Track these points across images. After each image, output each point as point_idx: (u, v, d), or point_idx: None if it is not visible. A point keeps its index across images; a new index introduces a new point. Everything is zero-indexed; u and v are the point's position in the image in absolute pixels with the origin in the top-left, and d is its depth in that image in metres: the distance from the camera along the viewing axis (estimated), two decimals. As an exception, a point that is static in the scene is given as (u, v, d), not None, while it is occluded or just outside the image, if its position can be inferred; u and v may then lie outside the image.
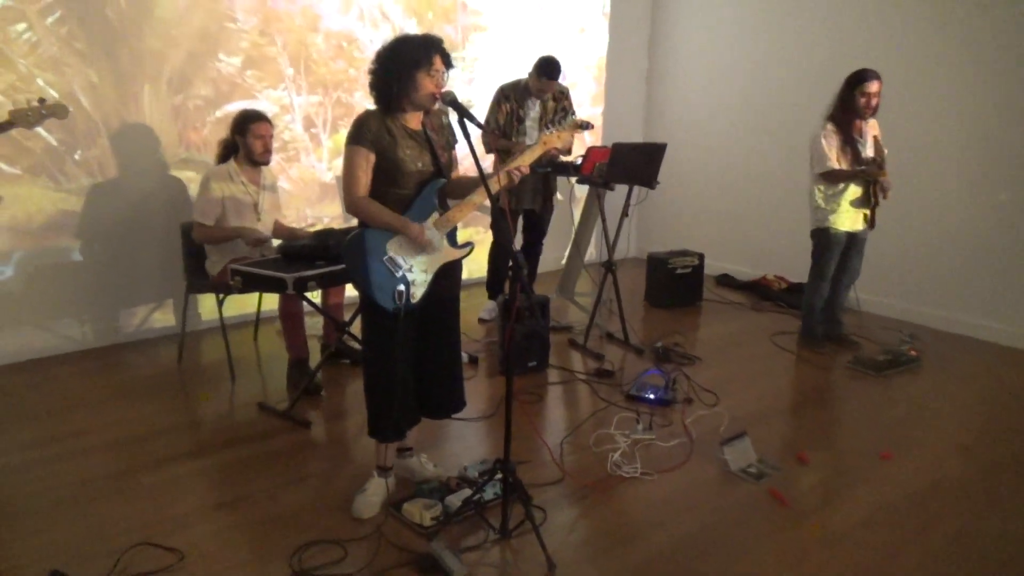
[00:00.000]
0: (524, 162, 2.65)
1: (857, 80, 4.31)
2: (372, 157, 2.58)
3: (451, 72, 2.64)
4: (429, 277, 2.67)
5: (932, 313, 5.32)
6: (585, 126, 2.78)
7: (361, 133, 2.57)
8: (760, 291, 6.06)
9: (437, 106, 2.65)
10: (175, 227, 4.27)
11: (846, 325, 4.95)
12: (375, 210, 2.57)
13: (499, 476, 2.64)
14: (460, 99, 2.60)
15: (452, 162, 2.78)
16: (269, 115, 4.23)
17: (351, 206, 2.62)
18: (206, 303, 4.77)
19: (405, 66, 2.53)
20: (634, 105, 7.00)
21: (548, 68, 4.64)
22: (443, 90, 2.57)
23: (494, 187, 2.55)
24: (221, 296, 4.02)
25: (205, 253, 4.09)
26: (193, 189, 4.40)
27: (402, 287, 2.60)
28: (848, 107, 4.37)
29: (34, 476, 3.03)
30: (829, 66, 5.69)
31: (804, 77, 5.89)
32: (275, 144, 4.69)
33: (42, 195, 4.13)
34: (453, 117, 2.65)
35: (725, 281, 6.41)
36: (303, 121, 4.96)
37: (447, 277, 2.75)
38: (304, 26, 4.82)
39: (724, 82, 6.47)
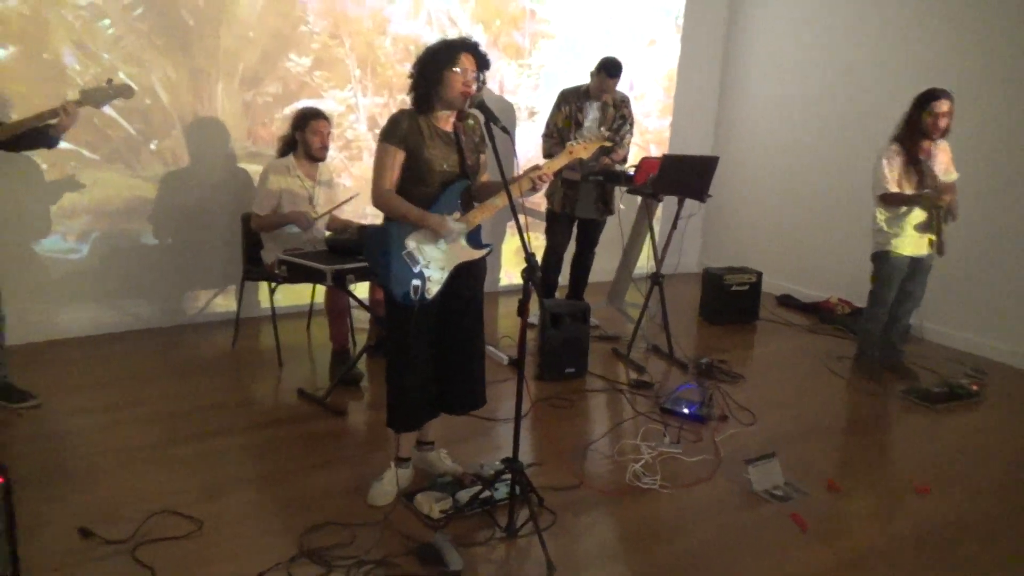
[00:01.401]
0: (549, 169, 2.68)
1: (926, 99, 4.16)
2: (401, 155, 2.67)
3: (518, 79, 2.69)
4: (445, 275, 2.74)
5: (1003, 348, 5.05)
6: (612, 140, 2.79)
7: (393, 131, 2.67)
8: (822, 314, 5.89)
9: (468, 108, 2.71)
10: (239, 217, 4.48)
11: (905, 353, 4.76)
12: (398, 203, 2.66)
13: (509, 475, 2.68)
14: (523, 105, 2.65)
15: (481, 166, 2.84)
16: (334, 115, 4.40)
17: (377, 199, 2.72)
18: (264, 291, 4.98)
19: (434, 65, 2.61)
20: (703, 118, 6.91)
21: (609, 66, 4.65)
22: (472, 92, 2.64)
23: (516, 191, 2.59)
24: (273, 285, 4.20)
25: (262, 243, 4.28)
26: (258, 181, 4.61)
27: (418, 282, 2.67)
28: (915, 128, 4.22)
29: (83, 441, 3.25)
30: (904, 83, 5.49)
31: (878, 94, 5.70)
32: (339, 143, 4.88)
33: (119, 180, 4.41)
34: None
35: (786, 301, 6.25)
36: (367, 121, 5.12)
37: (467, 276, 2.81)
38: (373, 29, 4.99)
39: (795, 97, 6.32)
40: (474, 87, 2.66)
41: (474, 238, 2.79)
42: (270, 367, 4.26)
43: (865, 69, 5.82)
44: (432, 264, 2.70)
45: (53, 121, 3.19)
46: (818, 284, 6.21)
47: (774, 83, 6.51)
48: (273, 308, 4.26)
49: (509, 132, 2.64)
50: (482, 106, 2.61)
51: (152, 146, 4.47)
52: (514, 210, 2.55)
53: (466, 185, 2.74)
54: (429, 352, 2.81)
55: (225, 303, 4.93)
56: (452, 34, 5.24)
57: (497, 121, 2.57)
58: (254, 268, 4.35)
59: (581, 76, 5.17)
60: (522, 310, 2.56)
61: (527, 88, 5.68)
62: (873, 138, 5.60)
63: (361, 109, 5.07)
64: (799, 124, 6.31)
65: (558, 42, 5.79)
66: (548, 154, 4.89)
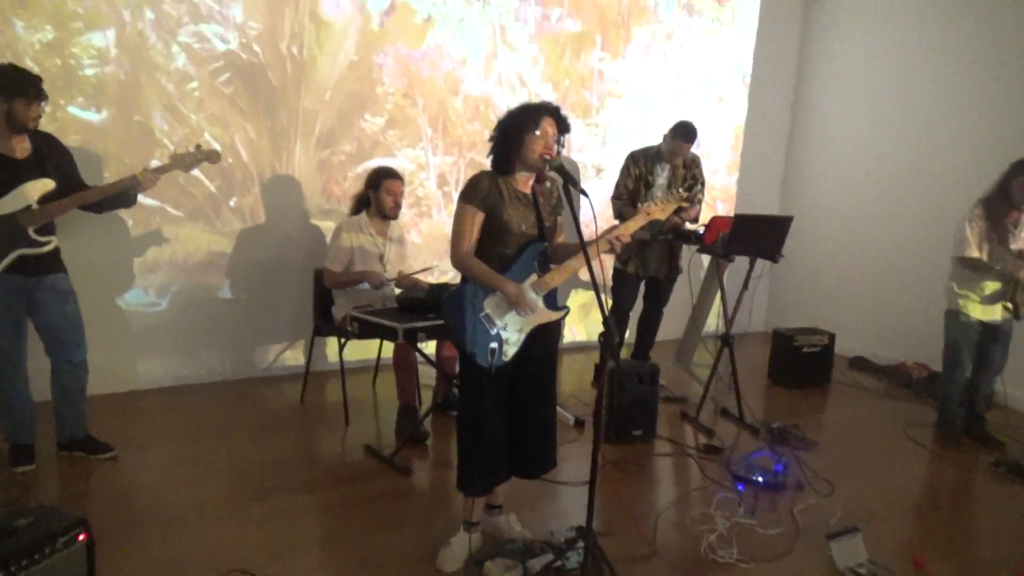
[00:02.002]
0: (625, 231, 2.67)
1: (1018, 170, 4.04)
2: (480, 216, 2.68)
3: (585, 137, 2.72)
4: (523, 337, 2.72)
5: (1097, 418, 4.78)
6: (690, 200, 2.77)
7: (472, 192, 2.69)
8: (898, 378, 5.68)
9: (547, 170, 2.73)
10: (311, 272, 4.57)
11: (990, 422, 4.54)
12: (477, 267, 2.67)
13: (581, 544, 2.61)
14: (590, 162, 2.67)
15: (557, 227, 2.84)
16: (405, 172, 4.49)
17: (456, 261, 2.73)
18: (333, 345, 5.03)
19: (516, 129, 2.64)
20: (770, 175, 6.84)
21: (684, 131, 4.66)
22: (552, 154, 2.65)
23: (593, 253, 2.58)
24: (343, 340, 4.25)
25: (333, 299, 4.34)
26: (330, 238, 4.70)
27: (495, 344, 2.66)
28: (1005, 195, 4.10)
29: (157, 495, 3.29)
30: (983, 141, 5.37)
31: (955, 153, 5.57)
32: (409, 199, 4.97)
33: (199, 236, 4.55)
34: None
35: (860, 364, 6.05)
36: (437, 179, 5.21)
37: (543, 338, 2.79)
38: (445, 89, 5.10)
39: (867, 155, 6.21)
40: (554, 151, 2.67)
41: (550, 300, 2.77)
42: (337, 422, 4.28)
43: (939, 126, 5.70)
44: (509, 326, 2.70)
45: (135, 187, 3.34)
46: (893, 346, 6.00)
47: (843, 140, 6.42)
48: (342, 364, 4.30)
49: (587, 195, 2.64)
50: (561, 169, 2.62)
51: (231, 203, 4.61)
52: (591, 272, 2.54)
53: (543, 247, 2.74)
54: (503, 415, 2.78)
55: (294, 356, 5.00)
56: (522, 94, 5.36)
57: (576, 184, 2.57)
58: (325, 323, 4.41)
59: (648, 133, 5.19)
60: (599, 376, 2.52)
61: (594, 146, 5.72)
62: (949, 196, 5.49)
63: (431, 167, 5.17)
64: (870, 181, 6.19)
65: (626, 100, 5.83)
66: (618, 216, 4.89)
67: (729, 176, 6.55)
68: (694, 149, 4.79)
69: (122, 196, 3.38)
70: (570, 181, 2.57)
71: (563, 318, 2.82)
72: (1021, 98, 5.20)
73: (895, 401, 5.26)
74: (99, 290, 4.29)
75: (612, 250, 2.66)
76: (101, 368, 4.18)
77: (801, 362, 5.43)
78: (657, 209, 2.75)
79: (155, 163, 4.23)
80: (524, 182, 2.75)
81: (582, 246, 2.52)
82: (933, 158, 5.75)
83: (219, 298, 4.70)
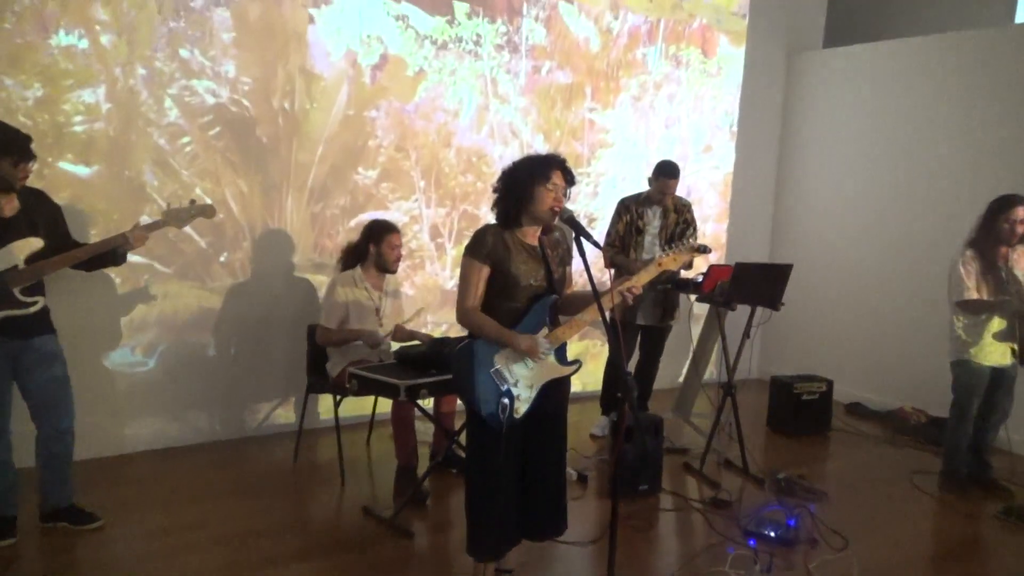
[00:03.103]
0: (638, 283, 2.62)
1: (1003, 206, 4.07)
2: (486, 270, 2.63)
3: (578, 187, 2.70)
4: (534, 393, 2.64)
5: (1101, 461, 4.74)
6: (703, 250, 2.73)
7: (478, 246, 2.63)
8: (896, 423, 5.63)
9: (556, 222, 2.69)
10: (303, 328, 4.46)
11: (995, 469, 4.48)
12: (484, 322, 2.60)
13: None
14: (583, 212, 2.64)
15: (566, 279, 2.79)
16: (399, 225, 4.44)
17: (462, 317, 2.66)
18: (326, 402, 4.91)
19: (525, 181, 2.60)
20: (760, 222, 6.88)
21: (667, 168, 4.68)
22: (562, 207, 2.61)
23: (606, 305, 2.53)
24: (338, 397, 4.13)
25: (327, 355, 4.24)
26: (322, 292, 4.62)
27: (506, 401, 2.58)
28: (991, 234, 4.11)
29: (148, 567, 3.13)
30: (972, 184, 5.43)
31: (945, 196, 5.63)
32: (403, 252, 4.90)
33: (189, 293, 4.45)
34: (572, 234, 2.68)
35: (856, 410, 6.00)
36: (430, 231, 5.16)
37: (554, 394, 2.71)
38: (438, 142, 5.09)
39: (855, 201, 6.27)
40: (563, 203, 2.63)
41: (561, 355, 2.71)
42: (332, 483, 4.13)
43: (925, 172, 5.78)
44: (520, 382, 2.62)
45: (124, 245, 3.26)
46: (889, 391, 5.96)
47: (830, 187, 6.48)
48: (337, 422, 4.17)
49: (600, 246, 2.60)
50: (571, 221, 2.58)
51: (222, 258, 4.52)
52: (607, 325, 2.48)
53: (554, 300, 2.68)
54: (514, 475, 2.68)
55: (286, 414, 4.86)
56: (514, 145, 5.36)
57: (589, 236, 2.53)
58: (319, 380, 4.29)
59: (639, 181, 5.19)
60: (616, 433, 2.44)
61: (586, 195, 5.72)
62: (941, 238, 5.54)
63: (425, 219, 5.12)
64: (858, 227, 6.23)
65: (616, 149, 5.86)
66: (610, 264, 4.85)
67: (719, 224, 6.57)
68: (684, 194, 4.80)
69: (110, 254, 3.29)
70: (583, 233, 2.53)
71: (574, 373, 2.74)
72: (1001, 139, 5.29)
73: (897, 448, 5.20)
74: (84, 350, 4.14)
75: (624, 302, 2.60)
76: (87, 431, 3.98)
77: (801, 409, 5.37)
78: (669, 259, 2.71)
79: (146, 219, 4.16)
80: (531, 234, 2.70)
81: (596, 300, 2.47)
82: (919, 204, 5.81)
83: (209, 356, 4.58)
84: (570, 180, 2.67)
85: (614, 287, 2.60)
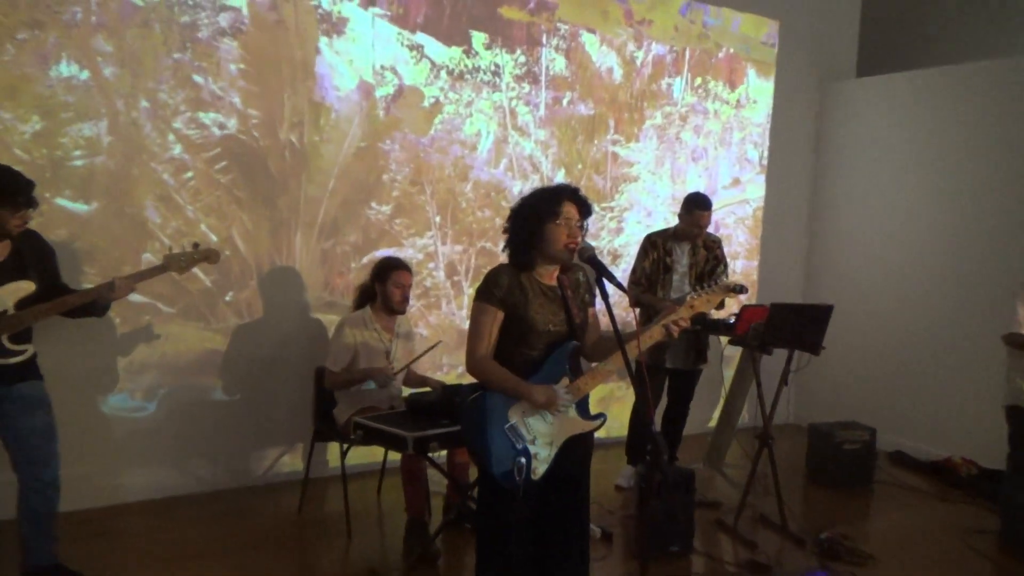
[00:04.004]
0: (687, 314, 2.35)
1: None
2: (500, 315, 2.38)
3: (600, 222, 2.45)
4: (554, 452, 2.37)
5: None
6: (738, 290, 2.46)
7: (490, 289, 2.39)
8: (944, 475, 5.24)
9: (576, 261, 2.44)
10: (312, 370, 4.23)
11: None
12: (497, 373, 2.34)
13: None
14: (605, 249, 2.40)
15: (589, 323, 2.52)
16: (413, 263, 4.22)
17: (473, 367, 2.41)
18: (334, 448, 4.64)
19: (532, 220, 2.36)
20: (793, 259, 6.57)
21: (699, 200, 4.44)
22: (581, 245, 2.36)
23: (633, 351, 2.26)
24: (345, 446, 3.87)
25: (335, 400, 3.99)
26: (332, 332, 4.40)
27: (523, 460, 2.31)
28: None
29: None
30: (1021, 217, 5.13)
31: (993, 230, 5.31)
32: (417, 291, 4.68)
33: (192, 334, 4.24)
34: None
35: (900, 459, 5.61)
36: (446, 269, 4.93)
37: (575, 451, 2.44)
38: (454, 176, 4.89)
39: (897, 235, 5.94)
40: (579, 238, 2.38)
41: (583, 407, 2.43)
42: (339, 538, 3.86)
43: (973, 202, 5.47)
44: (539, 439, 2.34)
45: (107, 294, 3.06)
46: (935, 439, 5.58)
47: (869, 220, 6.17)
48: (344, 472, 3.91)
49: (623, 288, 2.34)
50: (593, 260, 2.32)
51: (227, 297, 4.32)
52: (631, 374, 2.21)
53: (575, 347, 2.41)
54: (530, 542, 2.40)
55: (292, 462, 4.61)
56: (534, 179, 5.14)
57: (611, 277, 2.27)
58: (326, 427, 4.04)
59: (664, 216, 4.96)
60: (644, 495, 2.16)
61: (609, 232, 5.47)
62: (988, 275, 5.22)
63: (440, 256, 4.90)
64: (904, 263, 5.90)
65: (640, 184, 5.62)
66: (635, 303, 4.59)
67: (749, 261, 6.28)
68: (712, 230, 4.54)
69: (92, 306, 3.10)
70: (605, 274, 2.27)
71: (598, 428, 2.46)
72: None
73: (947, 503, 4.81)
74: (80, 394, 3.94)
75: (669, 336, 2.34)
76: (79, 480, 3.79)
77: (842, 460, 5.00)
78: (702, 301, 2.44)
79: (149, 258, 3.98)
80: (549, 274, 2.45)
81: (620, 346, 2.20)
82: (964, 238, 5.49)
83: (212, 400, 4.35)
84: (585, 211, 2.42)
85: (658, 321, 2.33)
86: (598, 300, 2.49)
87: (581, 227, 2.38)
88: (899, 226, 5.94)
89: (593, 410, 2.46)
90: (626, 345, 2.27)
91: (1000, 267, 5.18)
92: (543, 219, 2.34)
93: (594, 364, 2.44)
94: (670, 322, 2.36)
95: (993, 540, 4.15)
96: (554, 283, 2.45)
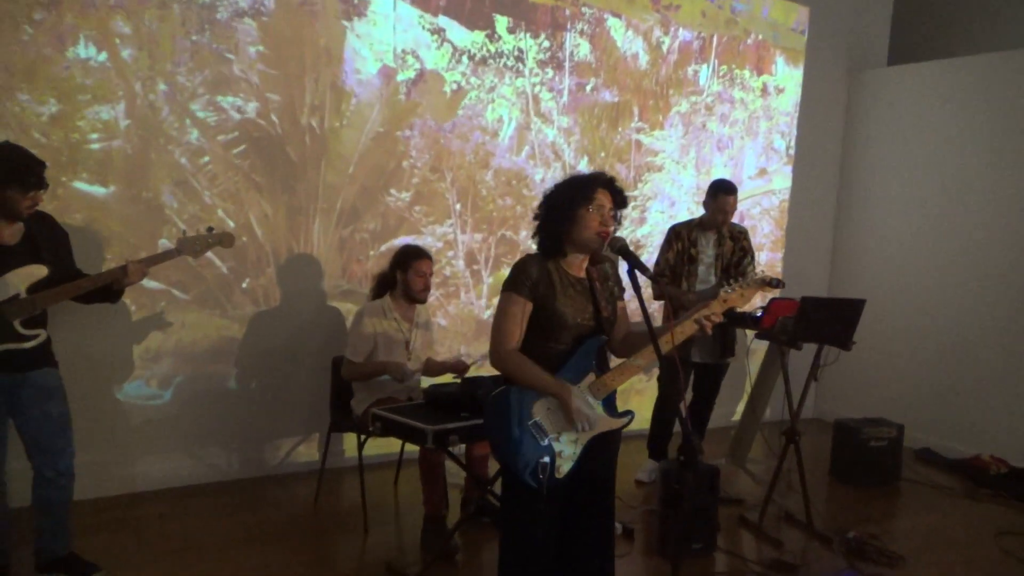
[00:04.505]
0: (719, 308, 2.26)
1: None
2: (528, 307, 2.29)
3: (623, 212, 2.35)
4: (579, 450, 2.28)
5: None
6: (775, 284, 2.36)
7: (519, 280, 2.30)
8: (973, 474, 5.11)
9: (605, 252, 2.34)
10: (329, 359, 4.16)
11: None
12: (523, 367, 2.25)
13: None
14: (628, 239, 2.30)
15: (617, 316, 2.43)
16: (432, 251, 4.14)
17: (498, 360, 2.32)
18: (351, 439, 4.59)
19: (566, 203, 2.27)
20: (819, 252, 6.43)
21: (725, 185, 4.34)
22: (613, 235, 2.27)
23: (666, 346, 2.17)
24: (363, 437, 3.80)
25: (352, 390, 3.92)
26: (350, 321, 4.33)
27: (547, 459, 2.22)
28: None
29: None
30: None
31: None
32: (436, 279, 4.59)
33: (208, 321, 4.18)
34: (621, 266, 2.33)
35: (927, 457, 5.49)
36: (465, 257, 4.84)
37: (601, 449, 2.35)
38: (475, 163, 4.79)
39: (927, 227, 5.79)
40: (611, 227, 2.29)
41: (610, 404, 2.34)
42: (355, 530, 3.79)
43: (1006, 194, 5.31)
44: (563, 437, 2.26)
45: (121, 279, 2.98)
46: (963, 437, 5.45)
47: (898, 212, 6.02)
48: (361, 464, 3.84)
49: (655, 278, 2.25)
50: (624, 251, 2.23)
51: (244, 285, 4.25)
52: (663, 366, 2.11)
53: (603, 341, 2.32)
54: (555, 542, 2.31)
55: (308, 452, 4.55)
56: (556, 167, 5.03)
57: (645, 269, 2.18)
58: (343, 418, 3.98)
59: (686, 206, 4.84)
60: (678, 498, 2.07)
61: (632, 221, 5.36)
62: (1021, 268, 5.07)
63: (460, 245, 4.81)
64: (933, 258, 5.76)
65: (664, 173, 5.50)
66: (659, 295, 4.49)
67: (774, 253, 6.15)
68: (737, 220, 4.43)
69: (106, 290, 3.03)
70: (637, 265, 2.18)
71: (626, 426, 2.37)
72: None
73: (976, 502, 4.69)
74: (95, 382, 3.89)
75: (701, 331, 2.24)
76: (94, 469, 3.76)
77: (868, 457, 4.89)
78: (736, 295, 2.34)
79: (165, 243, 3.92)
80: (578, 265, 2.35)
81: (652, 339, 2.11)
82: (998, 231, 5.34)
83: (228, 389, 4.29)
84: (620, 201, 2.32)
85: (690, 315, 2.24)
86: (627, 293, 2.39)
87: (614, 217, 2.29)
88: (929, 220, 5.79)
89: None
90: (645, 349, 2.20)
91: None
92: (576, 203, 2.25)
93: (621, 360, 2.35)
94: (702, 317, 2.27)
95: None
96: (583, 275, 2.36)
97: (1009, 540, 4.08)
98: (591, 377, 2.29)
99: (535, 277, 2.27)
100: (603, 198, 2.29)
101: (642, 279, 2.21)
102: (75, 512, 3.16)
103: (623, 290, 2.45)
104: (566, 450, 2.25)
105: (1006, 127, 5.34)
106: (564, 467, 2.25)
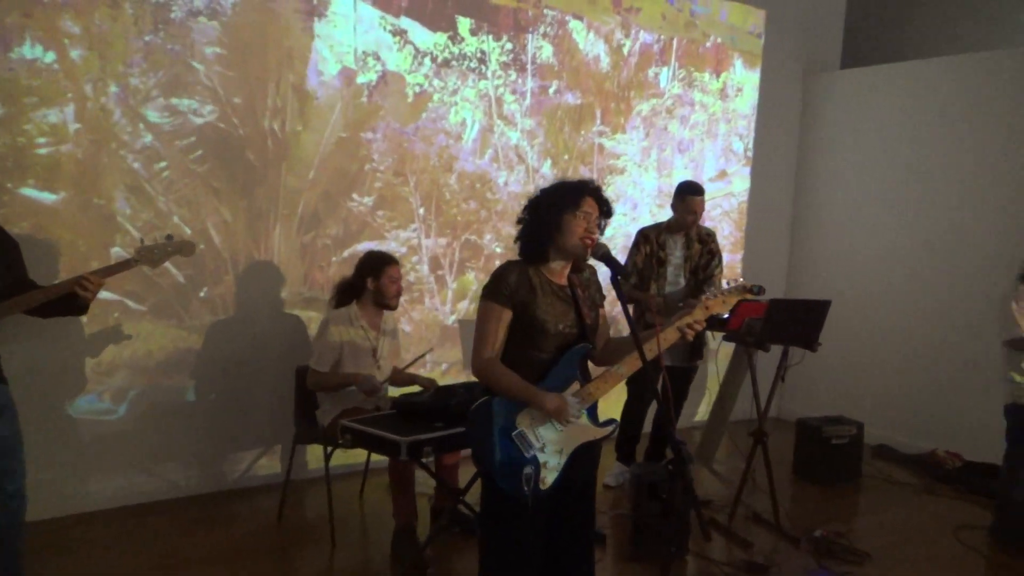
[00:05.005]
0: (702, 315, 2.24)
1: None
2: (507, 315, 2.24)
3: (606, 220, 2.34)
4: (564, 460, 2.24)
5: None
6: (756, 290, 2.35)
7: (498, 287, 2.25)
8: (929, 469, 5.23)
9: (588, 259, 2.31)
10: (291, 369, 4.05)
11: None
12: (504, 377, 2.20)
13: None
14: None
15: (601, 323, 2.40)
16: (396, 256, 4.06)
17: (479, 369, 2.27)
18: (315, 450, 4.47)
19: (552, 209, 2.23)
20: (777, 252, 6.52)
21: (692, 185, 4.37)
22: (594, 239, 2.24)
23: (651, 351, 2.15)
24: (329, 449, 3.70)
25: (317, 401, 3.82)
26: (312, 329, 4.23)
27: (530, 470, 2.18)
28: (1050, 271, 3.76)
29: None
30: (1008, 210, 5.12)
31: (977, 223, 5.30)
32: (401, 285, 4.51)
33: (164, 332, 4.03)
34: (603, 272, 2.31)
35: (884, 453, 5.59)
36: (430, 262, 4.77)
37: (583, 459, 2.31)
38: (439, 166, 4.72)
39: (881, 228, 5.92)
40: (596, 235, 2.26)
41: (593, 413, 2.31)
42: (321, 545, 3.70)
43: (956, 194, 5.45)
44: (548, 447, 2.22)
45: (78, 291, 2.84)
46: (919, 433, 5.57)
47: (852, 213, 6.14)
48: (328, 476, 3.74)
49: (624, 281, 2.22)
50: (607, 258, 2.20)
51: (202, 294, 4.12)
52: (646, 374, 2.09)
53: (587, 350, 2.28)
54: (538, 554, 2.27)
55: (270, 464, 4.43)
56: (520, 170, 5.00)
57: (628, 276, 2.15)
58: (308, 429, 3.87)
59: (648, 208, 4.86)
60: (670, 505, 2.04)
61: (595, 225, 5.35)
62: (971, 269, 5.22)
63: (424, 250, 4.73)
64: (887, 259, 5.88)
65: (627, 176, 5.51)
66: (628, 298, 4.47)
67: (734, 254, 6.21)
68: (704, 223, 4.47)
69: (69, 302, 2.88)
70: (620, 271, 2.15)
71: (610, 435, 2.34)
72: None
73: (935, 497, 4.80)
74: (44, 397, 3.71)
75: (684, 338, 2.23)
76: (45, 488, 3.57)
77: (830, 454, 4.97)
78: (717, 302, 2.33)
79: (118, 252, 3.77)
80: (560, 273, 2.32)
81: (637, 346, 2.08)
82: (948, 232, 5.48)
83: (185, 401, 4.15)
84: (606, 210, 2.30)
85: (673, 323, 2.23)
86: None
87: (599, 225, 2.27)
88: (882, 220, 5.92)
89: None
90: (629, 356, 2.20)
91: (984, 261, 5.18)
92: (562, 209, 2.22)
93: (604, 368, 2.32)
94: (685, 324, 2.26)
95: (984, 535, 4.13)
96: (564, 283, 2.32)
97: (968, 534, 4.17)
98: (575, 386, 2.26)
99: (514, 285, 2.23)
100: (589, 206, 2.27)
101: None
102: (25, 536, 3.00)
103: (603, 297, 2.43)
104: (551, 460, 2.21)
105: (955, 129, 5.48)
106: (549, 478, 2.21)
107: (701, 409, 5.85)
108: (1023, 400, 3.84)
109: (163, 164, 3.91)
